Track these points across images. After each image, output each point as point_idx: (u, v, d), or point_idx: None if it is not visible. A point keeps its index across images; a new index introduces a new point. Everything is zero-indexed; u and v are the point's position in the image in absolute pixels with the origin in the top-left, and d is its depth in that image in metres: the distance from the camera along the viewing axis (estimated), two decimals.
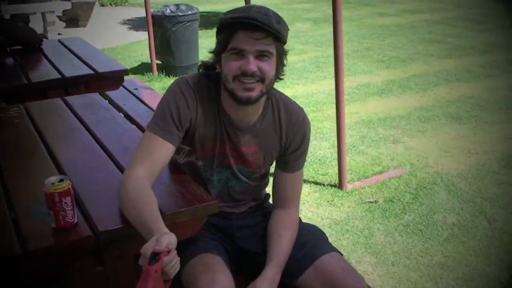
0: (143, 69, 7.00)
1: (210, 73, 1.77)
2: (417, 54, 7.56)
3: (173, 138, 1.67)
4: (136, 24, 10.38)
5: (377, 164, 4.12)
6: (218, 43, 1.67)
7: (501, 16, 10.25)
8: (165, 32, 6.48)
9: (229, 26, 1.61)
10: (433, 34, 8.90)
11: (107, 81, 3.22)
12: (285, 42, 1.67)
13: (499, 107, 5.35)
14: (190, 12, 6.54)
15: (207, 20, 9.66)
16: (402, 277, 2.82)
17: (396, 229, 3.25)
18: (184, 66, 6.64)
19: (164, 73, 6.71)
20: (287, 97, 1.88)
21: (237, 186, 1.88)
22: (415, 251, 3.03)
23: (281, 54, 1.68)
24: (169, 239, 1.31)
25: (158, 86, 6.26)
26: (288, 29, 1.68)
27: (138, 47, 8.38)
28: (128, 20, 10.92)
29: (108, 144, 2.07)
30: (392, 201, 3.56)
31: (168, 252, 1.29)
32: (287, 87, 6.03)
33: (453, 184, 3.79)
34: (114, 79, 3.29)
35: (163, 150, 1.66)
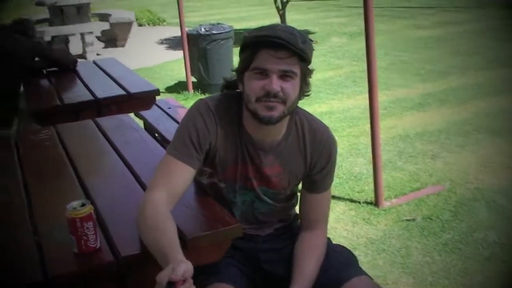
0: (179, 87, 7.05)
1: (231, 93, 1.74)
2: (454, 67, 7.40)
3: (192, 161, 1.64)
4: (172, 43, 10.51)
5: (415, 180, 4.02)
6: (241, 61, 1.64)
7: None
8: (200, 50, 6.54)
9: (252, 45, 1.58)
10: (469, 46, 8.71)
11: (138, 101, 3.23)
12: (309, 62, 1.63)
13: None
14: (224, 30, 6.58)
15: (241, 37, 9.69)
16: None
17: (435, 248, 3.14)
18: (219, 83, 6.53)
19: (199, 91, 6.75)
20: (311, 115, 1.83)
21: (262, 208, 1.84)
22: (454, 270, 2.92)
23: (305, 74, 1.63)
24: (185, 268, 1.27)
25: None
26: (313, 49, 1.64)
27: (174, 65, 8.47)
28: (165, 39, 11.07)
29: (136, 167, 2.06)
30: (431, 219, 3.45)
31: (184, 281, 1.25)
32: (323, 103, 5.98)
33: (494, 200, 3.65)
34: (146, 99, 3.30)
35: (182, 174, 1.63)
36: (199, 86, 6.80)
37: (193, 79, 6.88)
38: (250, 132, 1.71)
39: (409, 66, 7.54)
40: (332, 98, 6.21)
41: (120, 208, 1.76)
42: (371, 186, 3.78)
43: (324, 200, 1.86)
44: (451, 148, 4.60)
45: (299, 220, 1.98)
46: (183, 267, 1.26)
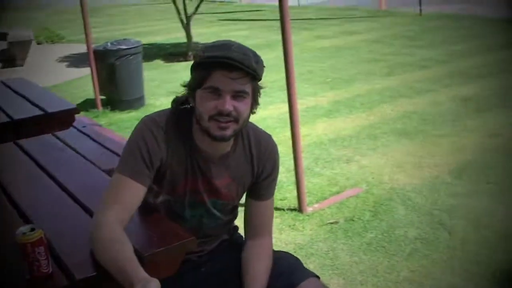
0: (87, 105, 6.85)
1: (178, 108, 1.73)
2: (359, 74, 7.72)
3: (143, 179, 1.62)
4: (75, 61, 10.19)
5: (333, 185, 4.14)
6: (193, 79, 1.64)
7: (433, 33, 10.64)
8: (109, 66, 6.39)
9: (206, 64, 1.59)
10: (372, 54, 9.13)
11: (57, 120, 3.11)
12: (260, 80, 1.66)
13: (443, 120, 5.50)
14: (132, 46, 6.48)
15: (149, 52, 9.59)
16: None
17: (360, 248, 3.25)
18: (130, 99, 6.55)
19: (109, 108, 6.59)
20: (254, 125, 1.86)
21: (211, 223, 1.84)
22: (381, 268, 3.04)
23: (256, 92, 1.67)
24: (155, 286, 1.26)
25: (105, 121, 6.14)
26: (264, 66, 1.67)
27: (79, 83, 8.22)
28: (66, 57, 10.72)
29: (71, 187, 1.99)
30: (353, 220, 3.57)
31: None
32: None
33: (409, 198, 3.84)
34: (65, 118, 3.19)
35: (134, 192, 1.60)
36: (109, 103, 6.65)
37: (102, 96, 6.71)
38: (200, 146, 1.71)
39: (315, 76, 7.77)
40: None
41: (64, 230, 1.69)
42: (293, 193, 3.86)
43: (268, 207, 1.89)
44: (363, 152, 4.79)
45: (238, 232, 2.01)
46: (153, 285, 1.25)
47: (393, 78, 7.40)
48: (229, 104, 1.58)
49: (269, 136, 1.86)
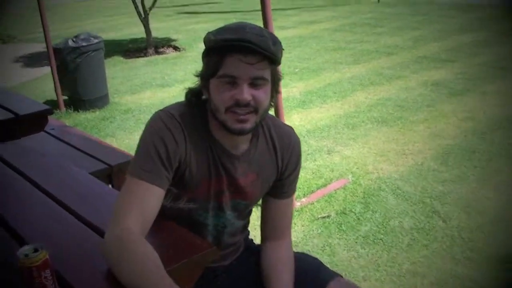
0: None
1: (191, 100, 1.54)
2: (326, 63, 7.64)
3: (162, 181, 1.43)
4: (30, 61, 9.77)
5: (318, 177, 4.02)
6: (205, 67, 1.45)
7: (392, 19, 10.66)
8: (69, 64, 6.07)
9: (219, 49, 1.39)
10: (336, 42, 9.07)
11: (29, 123, 2.87)
12: (279, 64, 1.47)
13: (418, 106, 5.46)
14: (94, 42, 6.19)
15: (107, 48, 9.27)
16: None
17: (356, 242, 3.14)
18: (93, 98, 6.26)
19: (72, 109, 6.30)
20: (274, 117, 1.70)
21: (231, 230, 1.69)
22: (382, 262, 2.93)
23: (276, 79, 1.48)
24: None
25: (69, 122, 5.86)
26: (283, 49, 1.49)
27: (37, 84, 7.86)
28: (21, 57, 10.28)
29: (61, 195, 1.78)
30: (345, 213, 3.46)
31: None
32: None
33: (398, 187, 3.76)
34: (37, 121, 2.94)
35: (153, 197, 1.41)
36: (72, 103, 6.34)
37: (64, 96, 6.41)
38: (220, 140, 1.53)
39: (283, 66, 7.59)
40: None
41: (64, 246, 1.47)
42: None
43: (290, 205, 1.74)
44: (344, 142, 4.69)
45: (251, 238, 1.87)
46: None
47: (361, 65, 7.34)
48: (247, 93, 1.39)
49: (291, 129, 1.69)
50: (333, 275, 1.69)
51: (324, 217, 3.44)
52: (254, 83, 1.41)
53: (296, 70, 7.37)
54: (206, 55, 1.45)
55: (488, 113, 5.10)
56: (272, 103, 1.52)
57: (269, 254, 1.70)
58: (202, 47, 1.46)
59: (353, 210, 3.49)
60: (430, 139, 4.58)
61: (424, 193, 3.65)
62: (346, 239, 3.18)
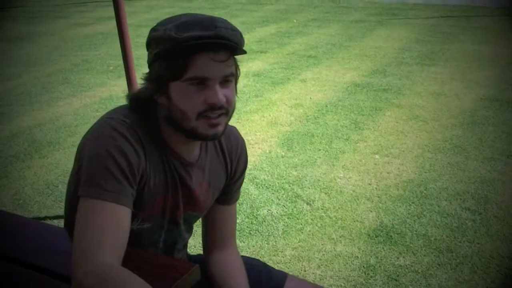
0: None
1: (141, 106, 1.30)
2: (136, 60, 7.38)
3: (129, 200, 1.20)
4: None
5: None
6: (165, 69, 1.22)
7: None
8: None
9: (185, 48, 1.18)
10: (141, 38, 8.82)
11: None
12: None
13: (247, 97, 5.55)
14: None
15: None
16: None
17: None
18: None
19: None
20: None
21: (181, 245, 1.53)
22: (265, 252, 2.91)
23: (239, 72, 1.32)
24: None
25: None
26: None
27: None
28: None
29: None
30: None
31: None
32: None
33: (255, 177, 3.77)
34: None
35: (123, 219, 1.18)
36: None
37: None
38: (174, 147, 1.33)
39: (95, 65, 7.21)
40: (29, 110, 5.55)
41: None
42: None
43: (235, 211, 1.61)
44: None
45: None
46: None
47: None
48: (221, 95, 1.22)
49: (235, 128, 1.54)
50: (284, 274, 1.64)
51: None
52: (224, 82, 1.24)
53: (111, 67, 7.01)
54: (163, 55, 1.22)
55: (314, 99, 5.38)
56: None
57: (219, 267, 1.56)
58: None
59: None
60: (269, 127, 4.68)
61: (281, 179, 3.71)
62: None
